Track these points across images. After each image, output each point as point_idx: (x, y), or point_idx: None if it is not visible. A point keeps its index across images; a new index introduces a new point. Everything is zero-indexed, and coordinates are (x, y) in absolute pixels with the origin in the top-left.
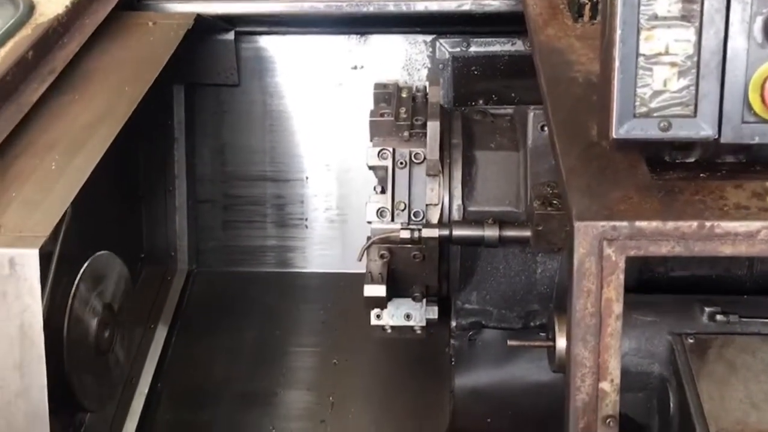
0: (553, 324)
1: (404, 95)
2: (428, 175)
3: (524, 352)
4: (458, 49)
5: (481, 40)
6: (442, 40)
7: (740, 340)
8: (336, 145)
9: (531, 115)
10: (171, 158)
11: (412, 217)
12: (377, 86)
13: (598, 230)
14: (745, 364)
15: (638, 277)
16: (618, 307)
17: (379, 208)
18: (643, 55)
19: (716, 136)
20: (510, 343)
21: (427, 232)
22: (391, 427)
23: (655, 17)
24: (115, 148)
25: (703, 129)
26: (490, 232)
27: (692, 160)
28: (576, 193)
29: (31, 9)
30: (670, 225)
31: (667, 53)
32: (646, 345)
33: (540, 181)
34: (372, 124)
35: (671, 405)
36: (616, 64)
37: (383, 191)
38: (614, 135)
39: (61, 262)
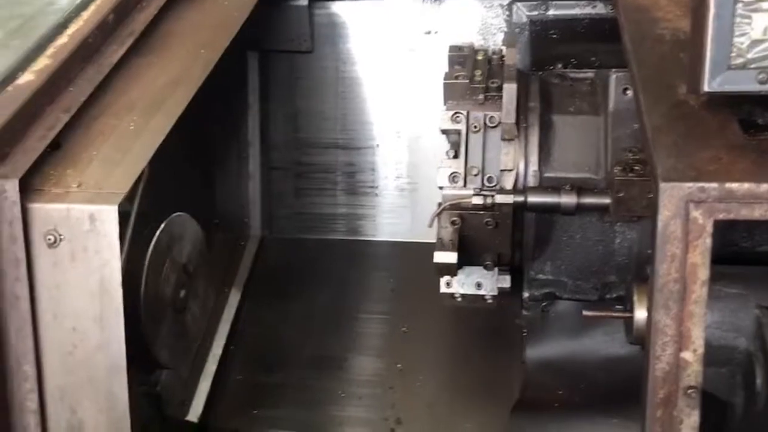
0: (632, 294)
1: (480, 58)
2: (503, 139)
3: (599, 325)
4: (536, 13)
5: (560, 2)
6: (519, 4)
7: None
8: (407, 112)
9: (613, 78)
10: (245, 125)
11: (486, 183)
12: (452, 49)
13: (685, 192)
14: None
15: (720, 249)
16: (704, 273)
17: (451, 173)
18: (742, 1)
19: None
20: (585, 313)
21: (501, 198)
22: (459, 396)
23: None
24: (191, 113)
25: None
26: (567, 199)
27: None
28: (662, 153)
29: None
30: (765, 187)
31: None
32: (731, 318)
33: (621, 146)
34: (446, 86)
35: (758, 381)
36: (711, 11)
37: (456, 156)
38: (706, 88)
39: (139, 220)
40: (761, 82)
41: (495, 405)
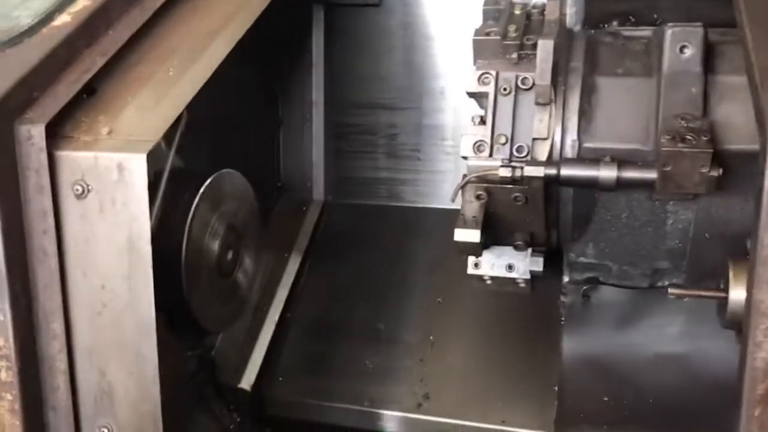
0: (727, 271)
1: (517, 12)
2: (537, 103)
3: (648, 316)
4: None
5: None
6: None
7: None
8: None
9: (669, 33)
10: (309, 84)
11: (515, 153)
12: (487, 2)
13: None
14: None
15: None
16: None
17: (476, 142)
18: None
19: None
20: (672, 291)
21: (530, 171)
22: (490, 375)
23: None
24: (251, 68)
25: None
26: (606, 173)
27: None
28: None
29: None
30: None
31: None
32: None
33: (674, 113)
34: (475, 43)
35: None
36: None
37: (483, 122)
38: None
39: (178, 174)
40: None
41: (527, 388)
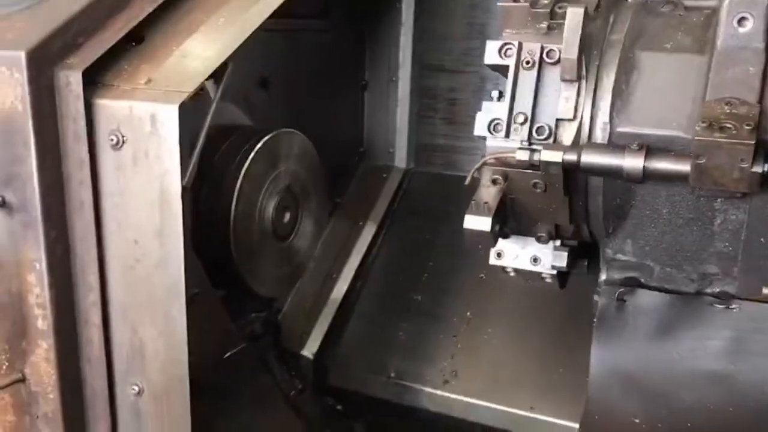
0: None
1: None
2: (563, 80)
3: (691, 327)
4: None
5: None
6: None
7: None
8: None
9: (726, 2)
10: (396, 45)
11: (534, 135)
12: None
13: None
14: None
15: None
16: None
17: (492, 120)
18: None
19: None
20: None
21: (547, 155)
22: (522, 360)
23: None
24: (337, 27)
25: None
26: (632, 162)
27: None
28: None
29: None
30: None
31: None
32: None
33: (720, 96)
34: (501, 11)
35: None
36: None
37: (502, 98)
38: None
39: (233, 131)
40: None
41: (560, 377)
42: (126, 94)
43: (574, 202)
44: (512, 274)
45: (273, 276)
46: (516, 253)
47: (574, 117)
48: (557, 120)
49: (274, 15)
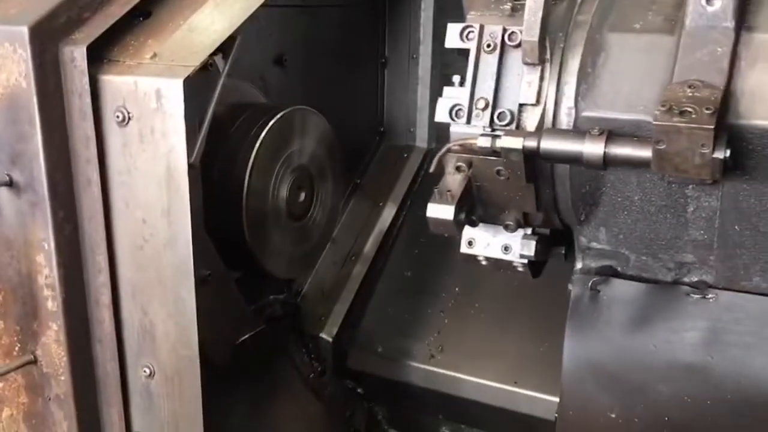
0: None
1: None
2: (525, 63)
3: (667, 318)
4: None
5: None
6: None
7: None
8: None
9: None
10: (417, 20)
11: (496, 121)
12: None
13: None
14: None
15: None
16: None
17: (453, 106)
18: None
19: None
20: None
21: (506, 141)
22: (507, 336)
23: None
24: (352, 3)
25: None
26: (592, 148)
27: None
28: None
29: None
30: None
31: None
32: None
33: (688, 78)
34: None
35: None
36: None
37: (464, 83)
38: None
39: (245, 108)
40: None
41: (545, 353)
42: (131, 69)
43: (541, 189)
44: (484, 262)
45: (288, 256)
46: (487, 242)
47: (538, 102)
48: (520, 105)
49: None
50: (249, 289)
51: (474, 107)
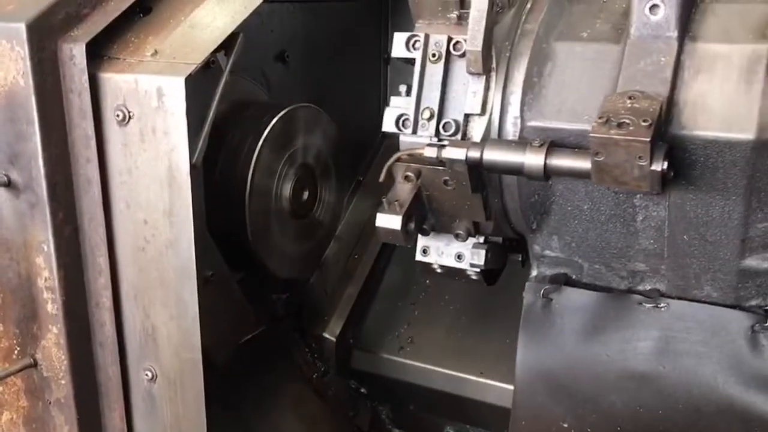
0: None
1: None
2: (470, 73)
3: (619, 327)
4: None
5: None
6: None
7: None
8: None
9: None
10: None
11: (441, 131)
12: None
13: None
14: None
15: None
16: None
17: (399, 116)
18: None
19: None
20: None
21: (450, 152)
22: (477, 326)
23: None
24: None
25: None
26: (532, 159)
27: None
28: None
29: None
30: None
31: None
32: None
33: (632, 88)
34: (411, 1)
35: None
36: None
37: (409, 92)
38: None
39: (246, 106)
40: None
41: (512, 345)
42: (132, 67)
43: (489, 198)
44: (439, 270)
45: (291, 256)
46: (441, 250)
47: (483, 112)
48: (466, 115)
49: None
50: (251, 289)
51: (420, 117)
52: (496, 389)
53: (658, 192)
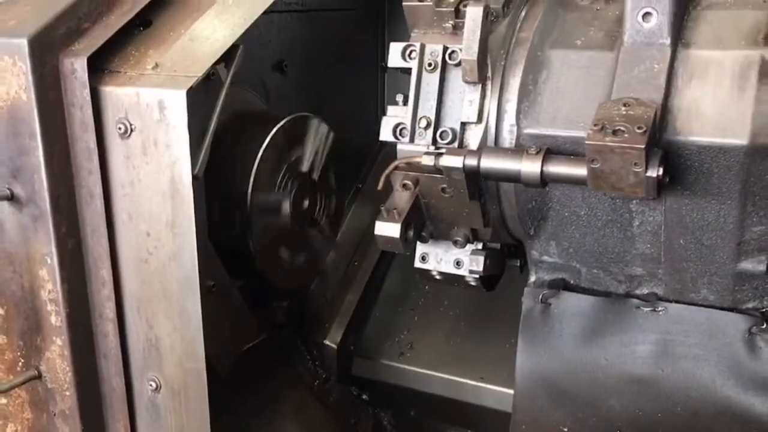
0: None
1: None
2: (465, 82)
3: (618, 331)
4: None
5: None
6: None
7: None
8: None
9: None
10: None
11: (438, 139)
12: None
13: None
14: None
15: None
16: None
17: (396, 125)
18: None
19: None
20: None
21: (447, 160)
22: (477, 332)
23: None
24: (352, 8)
25: None
26: (529, 167)
27: None
28: None
29: None
30: None
31: None
32: None
33: (626, 94)
34: (407, 11)
35: None
36: None
37: (406, 102)
38: None
39: (245, 116)
40: None
41: (512, 348)
42: (133, 80)
43: (487, 205)
44: (438, 277)
45: (293, 265)
46: (440, 257)
47: (480, 120)
48: (463, 123)
49: None
50: (252, 297)
51: (417, 126)
52: (496, 394)
53: (654, 197)
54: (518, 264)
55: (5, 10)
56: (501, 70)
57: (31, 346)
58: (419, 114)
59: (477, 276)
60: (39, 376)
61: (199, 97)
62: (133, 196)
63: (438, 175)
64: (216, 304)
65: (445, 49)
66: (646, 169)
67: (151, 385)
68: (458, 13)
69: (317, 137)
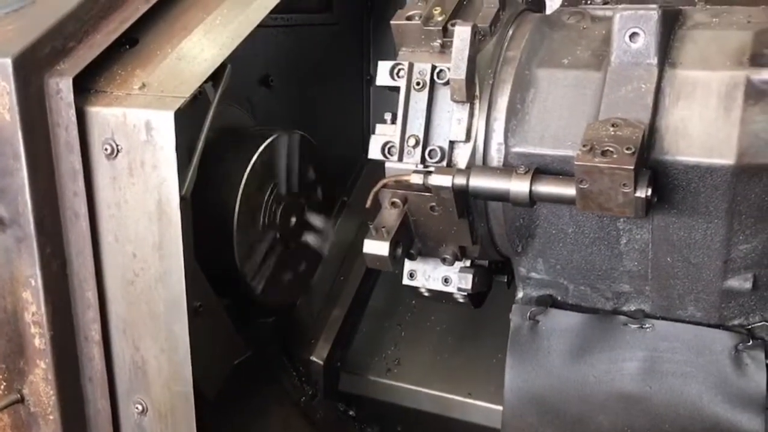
0: None
1: None
2: (454, 101)
3: (606, 348)
4: None
5: None
6: None
7: None
8: None
9: (618, 17)
10: None
11: (427, 158)
12: None
13: None
14: None
15: None
16: None
17: (385, 143)
18: None
19: None
20: None
21: (436, 179)
22: (464, 347)
23: None
24: (338, 21)
25: None
26: (518, 186)
27: None
28: None
29: None
30: None
31: None
32: None
33: (610, 115)
34: (395, 30)
35: None
36: None
37: (394, 120)
38: None
39: (230, 134)
40: None
41: (499, 365)
42: (119, 100)
43: (475, 223)
44: (426, 294)
45: (279, 282)
46: (428, 274)
47: (468, 138)
48: (451, 142)
49: (274, 10)
50: (237, 314)
51: (405, 145)
52: (483, 410)
53: (641, 216)
54: (505, 279)
55: None
56: (489, 89)
57: (14, 369)
58: (408, 132)
59: (465, 293)
60: (22, 400)
61: (187, 117)
62: (120, 217)
63: (427, 194)
64: (203, 325)
65: (434, 68)
66: (635, 189)
67: (137, 408)
68: (446, 32)
69: (303, 153)
